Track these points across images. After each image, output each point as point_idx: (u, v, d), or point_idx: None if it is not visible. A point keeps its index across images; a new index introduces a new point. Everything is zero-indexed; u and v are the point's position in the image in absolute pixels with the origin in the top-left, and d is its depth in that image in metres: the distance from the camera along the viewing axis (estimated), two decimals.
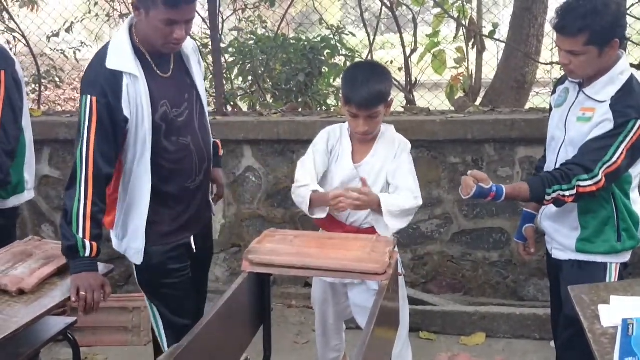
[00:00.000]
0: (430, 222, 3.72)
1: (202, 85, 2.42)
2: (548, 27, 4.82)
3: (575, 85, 2.35)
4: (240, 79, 5.00)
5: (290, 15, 5.50)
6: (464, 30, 4.40)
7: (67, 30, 5.46)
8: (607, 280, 2.32)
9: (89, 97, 2.14)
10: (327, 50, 4.76)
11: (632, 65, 2.43)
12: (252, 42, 5.03)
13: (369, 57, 4.58)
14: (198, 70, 2.42)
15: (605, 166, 2.17)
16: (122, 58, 2.17)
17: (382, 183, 2.46)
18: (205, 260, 2.63)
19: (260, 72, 4.82)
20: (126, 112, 2.16)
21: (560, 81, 2.51)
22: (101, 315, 2.80)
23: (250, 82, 4.94)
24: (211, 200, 2.57)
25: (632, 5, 3.81)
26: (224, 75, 4.60)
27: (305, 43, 4.79)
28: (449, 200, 3.68)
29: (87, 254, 2.15)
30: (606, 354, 1.69)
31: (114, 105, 2.14)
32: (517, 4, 4.92)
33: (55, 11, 5.65)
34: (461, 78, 4.50)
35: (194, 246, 2.42)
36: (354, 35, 5.13)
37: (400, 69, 4.58)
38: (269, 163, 3.84)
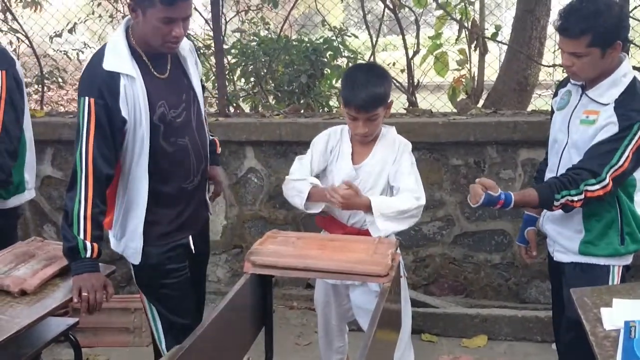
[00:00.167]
0: (432, 224, 3.72)
1: (199, 85, 2.43)
2: (550, 29, 4.82)
3: (578, 87, 2.35)
4: (243, 80, 5.00)
5: (293, 16, 5.50)
6: (467, 32, 4.40)
7: (70, 31, 5.47)
8: (610, 282, 2.32)
9: (87, 99, 2.15)
10: (330, 52, 4.76)
11: (634, 68, 2.42)
12: (254, 43, 5.03)
13: (372, 59, 4.58)
14: (195, 71, 2.42)
15: (612, 170, 2.17)
16: (119, 59, 2.18)
17: (383, 185, 2.46)
18: (203, 260, 2.63)
19: (262, 73, 4.82)
20: (124, 113, 2.17)
21: (561, 84, 2.51)
22: (103, 316, 2.81)
23: (253, 83, 4.94)
24: (208, 200, 2.57)
25: (635, 7, 3.81)
26: (227, 76, 4.61)
27: (308, 45, 4.79)
28: (451, 202, 3.67)
29: (88, 255, 2.15)
30: (608, 357, 1.69)
31: (112, 106, 2.15)
32: (519, 6, 4.92)
33: (59, 12, 5.66)
34: (463, 80, 4.50)
35: (192, 247, 2.43)
36: (356, 36, 5.13)
37: (402, 71, 4.58)
38: (271, 164, 3.84)
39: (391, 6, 4.44)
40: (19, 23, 5.16)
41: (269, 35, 5.23)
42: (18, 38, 5.32)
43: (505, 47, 5.10)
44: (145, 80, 2.20)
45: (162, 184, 2.30)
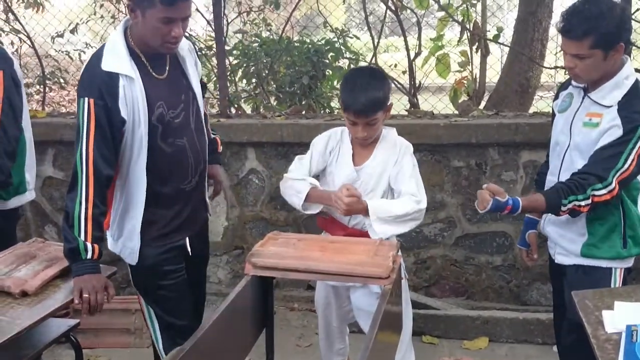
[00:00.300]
0: (434, 225, 3.72)
1: (198, 86, 2.42)
2: (552, 31, 4.82)
3: (580, 90, 2.35)
4: (245, 81, 5.00)
5: (295, 18, 5.50)
6: (468, 34, 4.40)
7: (72, 32, 5.47)
8: (612, 285, 2.31)
9: (86, 99, 2.15)
10: (331, 53, 4.76)
11: (637, 70, 2.42)
12: (256, 44, 5.03)
13: (373, 60, 4.58)
14: (194, 72, 2.41)
15: (618, 174, 2.17)
16: (118, 60, 2.18)
17: (384, 187, 2.46)
18: (202, 261, 2.63)
19: (264, 74, 4.83)
20: (123, 114, 2.16)
21: (562, 87, 2.50)
22: (103, 317, 2.80)
23: (254, 84, 4.94)
24: (208, 199, 2.56)
25: (637, 10, 3.80)
26: (228, 77, 4.61)
27: (310, 46, 4.79)
28: (453, 204, 3.67)
29: (89, 256, 2.15)
30: None
31: (111, 107, 2.15)
32: (521, 7, 4.91)
33: (61, 12, 5.66)
34: (465, 82, 4.50)
35: (189, 248, 2.43)
36: (358, 38, 5.13)
37: (404, 72, 4.58)
38: (272, 165, 3.84)
39: (393, 8, 4.44)
40: (20, 23, 5.16)
41: (271, 37, 5.22)
42: (20, 38, 5.32)
43: (507, 49, 5.10)
44: (144, 81, 2.20)
45: (159, 184, 2.30)
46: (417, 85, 4.49)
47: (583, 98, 2.32)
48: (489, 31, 4.65)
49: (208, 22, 4.64)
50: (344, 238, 2.34)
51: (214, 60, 4.51)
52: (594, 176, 2.18)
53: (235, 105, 4.64)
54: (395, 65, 4.93)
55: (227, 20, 4.87)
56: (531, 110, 4.67)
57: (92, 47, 5.83)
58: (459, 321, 3.46)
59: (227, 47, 4.69)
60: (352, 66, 4.86)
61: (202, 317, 2.63)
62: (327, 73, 4.78)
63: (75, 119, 3.51)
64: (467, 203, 3.65)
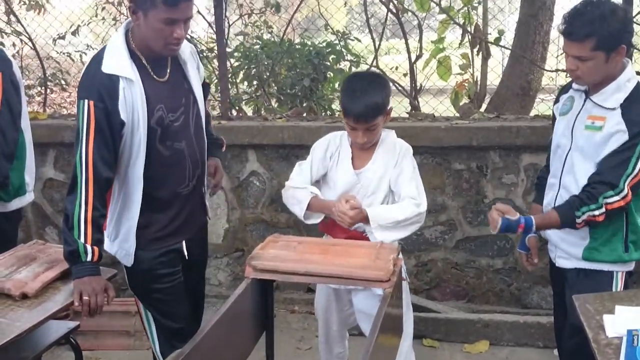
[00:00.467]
0: (434, 228, 3.71)
1: (199, 90, 2.41)
2: (554, 34, 4.82)
3: (581, 93, 2.35)
4: (246, 83, 5.00)
5: (296, 20, 5.50)
6: (469, 37, 4.40)
7: (74, 34, 5.48)
8: (614, 288, 2.31)
9: (86, 101, 2.14)
10: (333, 56, 4.76)
11: (638, 73, 2.42)
12: (257, 46, 5.03)
13: (374, 63, 4.59)
14: (196, 75, 2.40)
15: (629, 179, 2.17)
16: (118, 62, 2.17)
17: (385, 190, 2.45)
18: (201, 265, 2.63)
19: (265, 76, 4.83)
20: (123, 116, 2.16)
21: (563, 90, 2.50)
22: (104, 319, 2.80)
23: (256, 86, 4.94)
24: (207, 202, 2.55)
25: (639, 13, 3.80)
26: (229, 79, 4.61)
27: (311, 48, 4.80)
28: (453, 206, 3.67)
29: (89, 258, 2.14)
30: None
31: (111, 109, 2.14)
32: (522, 10, 4.91)
33: (62, 14, 5.67)
34: (466, 84, 4.50)
35: (185, 252, 2.42)
36: (359, 40, 5.13)
37: (405, 75, 4.58)
38: (273, 168, 3.84)
39: (394, 10, 4.44)
40: (22, 25, 5.16)
41: (272, 39, 5.23)
42: (21, 40, 5.32)
43: (508, 52, 5.10)
44: (144, 84, 2.20)
45: (156, 187, 2.29)
46: (418, 87, 4.49)
47: (584, 101, 2.32)
48: (490, 34, 4.65)
49: (209, 24, 4.64)
50: (345, 241, 2.33)
51: (215, 62, 4.51)
52: (604, 184, 2.18)
53: (236, 108, 4.64)
54: (397, 68, 4.94)
55: (228, 23, 4.88)
56: (532, 113, 4.67)
57: (93, 49, 5.84)
58: (460, 324, 3.45)
59: (228, 49, 4.69)
60: (353, 68, 4.87)
61: (201, 319, 2.62)
62: (328, 75, 4.78)
63: (75, 121, 3.51)
64: (467, 206, 3.65)
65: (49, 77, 5.43)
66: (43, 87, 5.31)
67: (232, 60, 4.87)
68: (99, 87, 2.14)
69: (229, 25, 4.98)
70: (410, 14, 4.64)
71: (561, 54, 4.58)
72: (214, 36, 4.37)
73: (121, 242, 2.33)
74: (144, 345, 3.39)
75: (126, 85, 2.16)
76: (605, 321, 1.87)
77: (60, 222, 3.99)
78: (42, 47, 5.50)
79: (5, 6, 5.23)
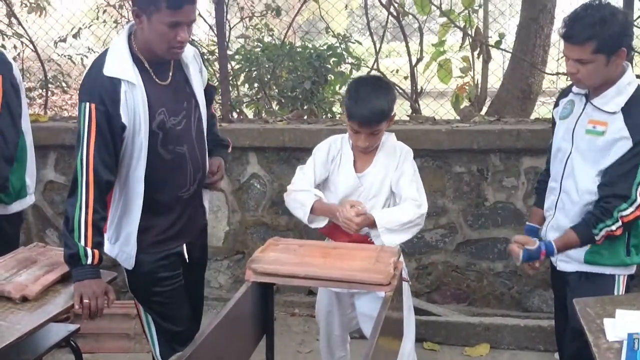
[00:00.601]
0: (435, 231, 3.71)
1: (201, 94, 2.40)
2: (554, 38, 4.82)
3: (582, 96, 2.35)
4: (247, 86, 5.00)
5: (297, 23, 5.51)
6: (470, 40, 4.40)
7: (75, 36, 5.48)
8: (616, 291, 2.32)
9: (87, 104, 2.14)
10: (333, 59, 4.77)
11: (638, 77, 2.42)
12: (258, 49, 5.04)
13: (375, 66, 4.59)
14: (198, 79, 2.40)
15: (639, 187, 2.18)
16: (120, 65, 2.17)
17: (386, 192, 2.46)
18: (200, 268, 2.62)
19: (266, 79, 4.83)
20: (124, 119, 2.16)
21: (563, 94, 2.50)
22: (104, 321, 2.81)
23: (256, 89, 4.95)
24: (206, 205, 2.54)
25: (639, 17, 3.80)
26: (230, 82, 4.61)
27: (312, 51, 4.80)
28: (454, 209, 3.67)
29: (89, 261, 2.14)
30: None
31: (112, 112, 2.14)
32: (523, 14, 4.92)
33: (63, 17, 5.67)
34: (467, 87, 4.49)
35: (186, 255, 2.42)
36: (360, 43, 5.14)
37: (406, 78, 4.58)
38: (273, 170, 3.84)
39: (395, 13, 4.44)
40: (23, 28, 5.16)
41: (273, 42, 5.23)
42: (22, 43, 5.32)
43: (508, 55, 5.10)
44: (146, 87, 2.19)
45: (157, 191, 2.29)
46: (418, 90, 4.49)
47: (585, 105, 2.32)
48: (490, 37, 4.65)
49: (210, 27, 4.65)
50: (345, 244, 2.33)
51: (216, 65, 4.52)
52: (617, 197, 2.19)
53: (237, 110, 4.64)
54: (397, 71, 4.94)
55: (229, 26, 4.89)
56: (533, 116, 4.67)
57: (94, 52, 5.84)
58: (460, 328, 3.45)
59: (229, 52, 4.70)
60: (354, 71, 4.88)
61: (200, 322, 2.62)
62: (329, 78, 4.79)
63: (76, 123, 3.51)
64: (468, 209, 3.65)
65: (50, 80, 5.43)
66: (44, 90, 5.31)
67: (233, 63, 4.88)
68: (100, 90, 2.14)
69: (230, 28, 4.99)
70: (410, 17, 4.64)
71: (562, 57, 4.57)
72: (215, 39, 4.38)
73: (122, 245, 2.33)
74: (144, 348, 3.39)
75: (128, 88, 2.16)
76: (606, 325, 1.87)
77: (61, 224, 4.01)
78: (43, 50, 5.51)
79: (6, 9, 5.23)
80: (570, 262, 2.39)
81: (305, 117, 4.33)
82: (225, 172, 2.65)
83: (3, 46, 5.04)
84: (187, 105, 2.33)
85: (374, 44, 4.60)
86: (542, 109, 4.88)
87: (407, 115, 4.20)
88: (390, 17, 4.50)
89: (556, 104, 2.52)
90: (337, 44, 4.82)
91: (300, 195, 2.45)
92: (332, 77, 4.79)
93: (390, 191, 2.47)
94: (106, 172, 2.16)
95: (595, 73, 2.19)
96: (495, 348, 3.38)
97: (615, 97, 2.23)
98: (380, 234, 2.34)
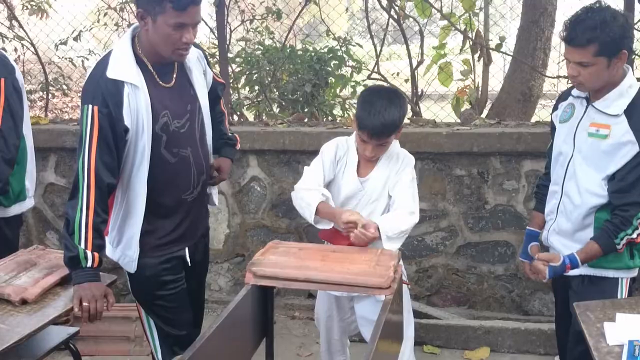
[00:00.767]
0: (435, 234, 3.71)
1: (204, 96, 2.39)
2: (555, 41, 4.82)
3: (582, 100, 2.35)
4: (247, 88, 5.00)
5: (298, 26, 5.51)
6: (471, 43, 4.41)
7: (76, 39, 5.48)
8: (619, 294, 2.32)
9: (90, 106, 2.13)
10: (334, 61, 4.76)
11: (638, 80, 2.42)
12: (259, 52, 5.04)
13: (376, 69, 4.59)
14: (201, 82, 2.39)
15: None
16: (124, 67, 2.16)
17: (386, 198, 2.47)
18: (202, 271, 2.61)
19: (267, 82, 4.83)
20: (127, 122, 2.15)
21: (561, 97, 2.50)
22: (103, 324, 2.80)
23: (257, 92, 4.94)
24: (208, 207, 2.54)
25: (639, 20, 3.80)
26: (231, 84, 4.61)
27: (312, 54, 4.80)
28: (454, 212, 3.66)
29: (89, 264, 2.14)
30: None
31: (115, 115, 2.13)
32: (524, 17, 4.92)
33: (64, 20, 5.68)
34: (467, 90, 4.50)
35: (188, 259, 2.41)
36: (360, 46, 5.14)
37: (406, 81, 4.59)
38: (274, 173, 3.84)
39: (395, 16, 4.45)
40: (24, 30, 5.17)
41: (274, 44, 5.24)
42: (23, 45, 5.33)
43: (509, 58, 5.10)
44: (150, 90, 2.19)
45: (161, 194, 2.28)
46: (419, 93, 4.49)
47: (586, 108, 2.32)
48: (491, 40, 4.66)
49: (211, 30, 4.65)
50: (345, 247, 2.33)
51: (217, 68, 4.52)
52: (633, 205, 2.20)
53: (238, 113, 4.65)
54: (398, 74, 4.94)
55: (230, 28, 4.89)
56: (533, 119, 4.67)
57: (95, 54, 5.86)
58: (461, 331, 3.44)
59: (230, 55, 4.70)
60: (354, 74, 4.88)
61: (201, 325, 2.62)
62: (329, 81, 4.79)
63: (77, 126, 3.51)
64: (469, 212, 3.65)
65: (51, 82, 5.43)
66: (45, 92, 5.32)
67: (234, 66, 4.88)
68: (103, 92, 2.14)
69: (231, 31, 5.00)
70: (411, 20, 4.65)
71: (562, 60, 4.57)
72: (216, 42, 4.38)
73: (124, 248, 2.31)
74: (144, 350, 3.39)
75: (131, 91, 2.15)
76: (606, 329, 1.86)
77: (61, 227, 4.01)
78: (44, 52, 5.51)
79: (7, 11, 5.23)
80: None
81: (306, 120, 4.33)
82: (227, 172, 2.65)
83: (4, 49, 5.04)
84: (191, 107, 2.33)
85: (375, 47, 4.61)
86: (542, 112, 4.89)
87: (408, 118, 4.19)
88: (390, 20, 4.51)
89: (555, 108, 2.52)
90: (338, 47, 4.82)
91: (308, 194, 2.41)
92: (333, 80, 4.79)
93: (389, 195, 2.47)
94: (108, 175, 2.15)
95: (596, 76, 2.19)
96: (495, 351, 3.38)
97: (617, 100, 2.23)
98: (383, 242, 2.33)
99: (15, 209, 2.71)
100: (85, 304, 2.12)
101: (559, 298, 2.60)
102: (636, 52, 3.69)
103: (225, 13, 4.35)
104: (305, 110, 4.66)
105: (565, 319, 2.46)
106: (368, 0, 4.66)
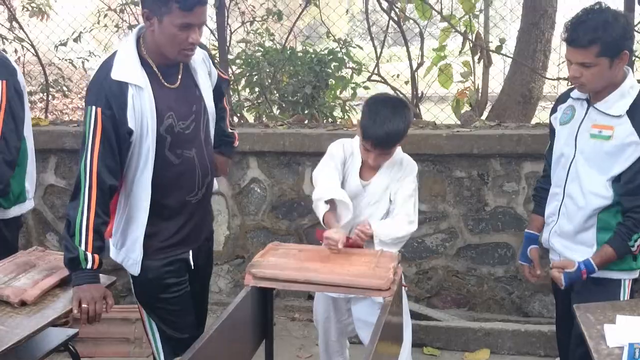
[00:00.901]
0: (435, 236, 3.70)
1: (209, 97, 2.38)
2: (555, 42, 4.83)
3: (582, 101, 2.35)
4: (247, 90, 5.01)
5: (298, 28, 5.52)
6: (471, 45, 4.41)
7: (76, 40, 5.48)
8: (622, 295, 2.32)
9: (93, 108, 2.12)
10: (334, 63, 4.77)
11: (638, 81, 2.43)
12: (259, 54, 5.04)
13: (376, 70, 4.59)
14: (206, 82, 2.38)
15: None
16: (128, 69, 2.15)
17: (387, 201, 2.47)
18: (206, 274, 2.60)
19: (267, 83, 4.84)
20: (131, 124, 2.14)
21: (560, 100, 2.50)
22: (103, 326, 2.79)
23: (257, 93, 4.95)
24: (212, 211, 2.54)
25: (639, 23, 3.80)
26: (231, 86, 4.61)
27: (312, 55, 4.81)
28: (454, 214, 3.66)
29: (89, 266, 2.13)
30: None
31: (118, 117, 2.12)
32: (524, 19, 4.93)
33: (64, 21, 5.69)
34: (467, 92, 4.50)
35: (192, 262, 2.39)
36: (361, 48, 5.15)
37: (406, 83, 4.59)
38: (274, 175, 3.84)
39: (396, 18, 4.46)
40: (24, 32, 5.18)
41: (274, 46, 5.24)
42: (23, 46, 5.34)
43: (509, 60, 5.11)
44: (154, 91, 2.17)
45: (165, 195, 2.27)
46: (419, 95, 4.49)
47: (587, 109, 2.32)
48: (491, 42, 4.67)
49: (211, 32, 4.65)
50: (345, 249, 2.32)
51: None
52: None
53: (238, 114, 4.65)
54: (398, 76, 4.95)
55: (230, 30, 4.89)
56: (534, 121, 4.67)
57: (95, 56, 5.87)
58: (461, 333, 3.44)
59: (230, 57, 4.71)
60: (355, 76, 4.88)
61: (204, 329, 2.60)
62: (329, 83, 4.79)
63: (77, 127, 3.50)
64: (468, 214, 3.64)
65: (51, 84, 5.44)
66: (45, 94, 5.32)
67: (234, 68, 4.89)
68: (107, 94, 2.12)
69: (231, 33, 5.00)
70: (411, 21, 4.65)
71: (562, 62, 4.58)
72: (216, 43, 4.38)
73: (128, 251, 2.30)
74: (144, 352, 3.39)
75: (135, 92, 2.13)
76: (606, 331, 1.86)
77: (61, 228, 4.01)
78: (44, 54, 5.52)
79: (8, 12, 5.24)
80: None
81: (306, 122, 4.33)
82: (226, 171, 2.64)
83: (4, 50, 5.05)
84: (196, 108, 2.31)
85: (375, 49, 4.61)
86: (542, 114, 4.89)
87: None
88: (391, 21, 4.52)
89: (554, 110, 2.52)
90: (338, 49, 4.83)
91: (320, 204, 2.36)
92: (333, 82, 4.80)
93: (390, 200, 2.47)
94: (109, 177, 2.14)
95: (598, 76, 2.20)
96: (495, 353, 3.37)
97: (619, 101, 2.24)
98: (375, 246, 2.34)
99: (14, 211, 2.70)
100: (84, 305, 2.12)
101: (559, 299, 2.59)
102: (636, 54, 3.69)
103: (226, 14, 4.35)
104: (306, 111, 4.66)
105: (566, 320, 2.45)
106: (368, 2, 4.66)
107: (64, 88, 5.87)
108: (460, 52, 4.56)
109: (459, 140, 3.56)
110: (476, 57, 4.48)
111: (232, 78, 4.74)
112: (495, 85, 4.99)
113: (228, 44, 4.59)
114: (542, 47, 4.83)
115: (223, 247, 3.94)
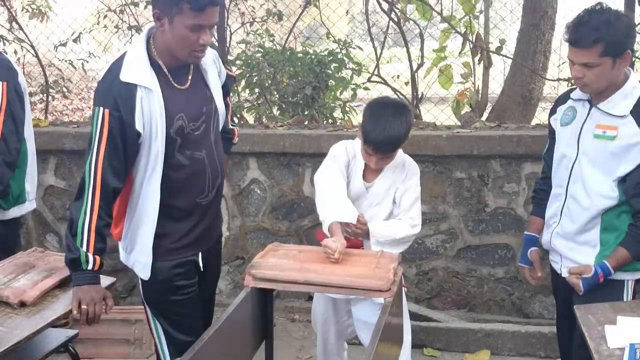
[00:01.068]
0: (436, 237, 3.70)
1: (220, 98, 2.36)
2: (555, 44, 4.83)
3: (584, 102, 2.34)
4: (247, 91, 5.01)
5: (298, 28, 5.52)
6: (471, 46, 4.41)
7: (75, 41, 5.49)
8: (625, 296, 2.31)
9: (101, 109, 2.11)
10: (334, 64, 4.78)
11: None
12: (259, 54, 5.05)
13: (376, 71, 4.59)
14: (217, 83, 2.35)
15: None
16: (138, 70, 2.13)
17: (389, 203, 2.47)
18: (214, 277, 2.58)
19: (267, 84, 4.84)
20: (139, 127, 2.12)
21: (560, 101, 2.49)
22: (103, 327, 2.79)
23: (257, 94, 4.95)
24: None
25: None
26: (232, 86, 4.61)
27: (313, 56, 4.81)
28: (455, 215, 3.66)
29: (90, 267, 2.12)
30: None
31: (126, 119, 2.10)
32: (524, 20, 4.93)
33: (64, 22, 5.69)
34: (467, 93, 4.51)
35: (201, 264, 2.37)
36: (361, 49, 5.15)
37: (406, 83, 4.59)
38: (274, 175, 3.84)
39: (396, 19, 4.46)
40: (24, 33, 5.18)
41: (274, 47, 5.25)
42: (23, 47, 5.34)
43: (509, 61, 5.11)
44: (164, 93, 2.15)
45: (175, 197, 2.24)
46: (419, 96, 4.50)
47: (590, 110, 2.31)
48: (491, 43, 4.67)
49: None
50: (345, 250, 2.31)
51: None
52: None
53: (238, 115, 4.65)
54: (398, 77, 4.95)
55: (230, 31, 4.90)
56: (534, 122, 4.68)
57: (95, 57, 5.87)
58: (461, 334, 3.43)
59: (230, 57, 4.71)
60: (355, 77, 4.88)
61: None
62: (330, 84, 4.79)
63: (77, 128, 3.50)
64: (469, 215, 3.64)
65: (51, 85, 5.44)
66: (45, 95, 5.33)
67: (234, 69, 4.89)
68: (115, 95, 2.10)
69: (231, 34, 5.01)
70: (411, 22, 4.66)
71: (563, 63, 4.59)
72: (216, 44, 4.38)
73: (137, 254, 2.28)
74: (144, 353, 3.38)
75: (144, 94, 2.11)
76: (607, 332, 1.86)
77: (61, 229, 4.02)
78: (44, 55, 5.52)
79: (8, 14, 5.24)
80: None
81: (306, 123, 4.33)
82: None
83: (4, 51, 5.05)
84: (207, 109, 2.29)
85: (375, 50, 4.61)
86: (543, 115, 4.89)
87: None
88: (391, 22, 4.52)
89: (553, 111, 2.51)
90: (338, 50, 4.83)
91: (329, 200, 2.36)
92: (333, 83, 4.80)
93: (394, 201, 2.47)
94: (114, 180, 2.13)
95: (601, 76, 2.19)
96: (495, 354, 3.37)
97: (623, 101, 2.24)
98: (370, 245, 2.34)
99: (13, 212, 2.70)
100: (84, 306, 2.11)
101: (559, 299, 2.58)
102: (636, 54, 3.69)
103: (225, 15, 4.35)
104: (306, 112, 4.66)
105: (567, 320, 2.45)
106: (368, 2, 4.67)
107: (64, 89, 5.87)
108: (460, 53, 4.57)
109: (459, 141, 3.56)
110: (476, 58, 4.49)
111: None
112: (496, 86, 5.00)
113: (228, 45, 4.60)
114: (542, 48, 4.84)
115: (223, 248, 3.92)
